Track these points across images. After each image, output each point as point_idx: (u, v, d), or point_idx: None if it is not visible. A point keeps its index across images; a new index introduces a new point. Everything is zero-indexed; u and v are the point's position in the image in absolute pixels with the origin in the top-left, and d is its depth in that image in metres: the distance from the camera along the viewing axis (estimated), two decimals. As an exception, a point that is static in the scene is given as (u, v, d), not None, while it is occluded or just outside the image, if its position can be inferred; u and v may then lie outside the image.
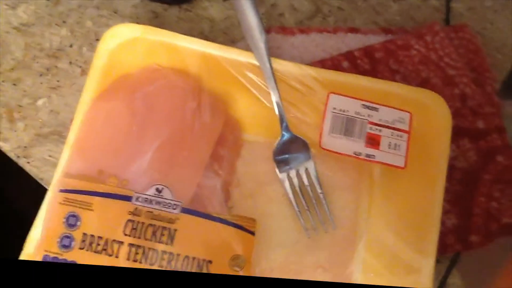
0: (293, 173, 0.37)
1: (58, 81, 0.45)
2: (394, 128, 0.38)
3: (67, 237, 0.34)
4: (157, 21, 0.47)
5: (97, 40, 0.46)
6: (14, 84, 0.45)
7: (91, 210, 0.34)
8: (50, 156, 0.43)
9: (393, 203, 0.36)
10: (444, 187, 0.37)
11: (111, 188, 0.35)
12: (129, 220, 0.34)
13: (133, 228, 0.34)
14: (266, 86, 0.38)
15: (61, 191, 0.35)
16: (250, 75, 0.39)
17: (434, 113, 0.38)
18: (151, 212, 0.34)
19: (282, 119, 0.38)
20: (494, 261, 0.39)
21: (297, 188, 0.37)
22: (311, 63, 0.43)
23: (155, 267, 0.33)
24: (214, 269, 0.33)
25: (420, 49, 0.44)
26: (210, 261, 0.33)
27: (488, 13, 0.47)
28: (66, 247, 0.34)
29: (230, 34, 0.47)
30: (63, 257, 0.34)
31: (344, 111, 0.38)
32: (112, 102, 0.38)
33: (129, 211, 0.34)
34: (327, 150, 0.38)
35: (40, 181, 0.42)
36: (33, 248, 0.35)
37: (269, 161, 0.37)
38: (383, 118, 0.38)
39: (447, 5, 0.47)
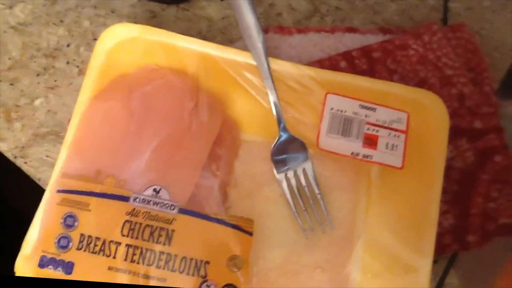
0: (290, 174, 0.37)
1: (55, 80, 0.45)
2: (391, 129, 0.38)
3: (65, 237, 0.34)
4: (154, 21, 0.47)
5: (95, 39, 0.46)
6: (11, 84, 0.45)
7: (89, 210, 0.34)
8: (47, 156, 0.43)
9: (390, 203, 0.36)
10: (441, 187, 0.37)
11: (109, 188, 0.35)
12: (126, 221, 0.34)
13: (130, 229, 0.34)
14: (264, 86, 0.38)
15: (59, 191, 0.35)
16: (248, 75, 0.39)
17: (432, 113, 0.38)
18: (149, 212, 0.34)
19: (279, 119, 0.38)
20: (492, 261, 0.39)
21: (295, 189, 0.37)
22: (309, 63, 0.43)
23: (152, 268, 0.33)
24: (212, 270, 0.33)
25: (418, 49, 0.43)
26: (207, 262, 0.33)
27: (486, 13, 0.47)
28: (64, 247, 0.34)
29: (228, 34, 0.47)
30: (61, 258, 0.34)
31: (341, 111, 0.38)
32: (109, 102, 0.38)
33: (127, 212, 0.34)
34: (325, 150, 0.38)
35: (37, 182, 0.42)
36: (30, 248, 0.35)
37: (266, 161, 0.37)
38: (380, 118, 0.38)
39: (445, 4, 0.47)
